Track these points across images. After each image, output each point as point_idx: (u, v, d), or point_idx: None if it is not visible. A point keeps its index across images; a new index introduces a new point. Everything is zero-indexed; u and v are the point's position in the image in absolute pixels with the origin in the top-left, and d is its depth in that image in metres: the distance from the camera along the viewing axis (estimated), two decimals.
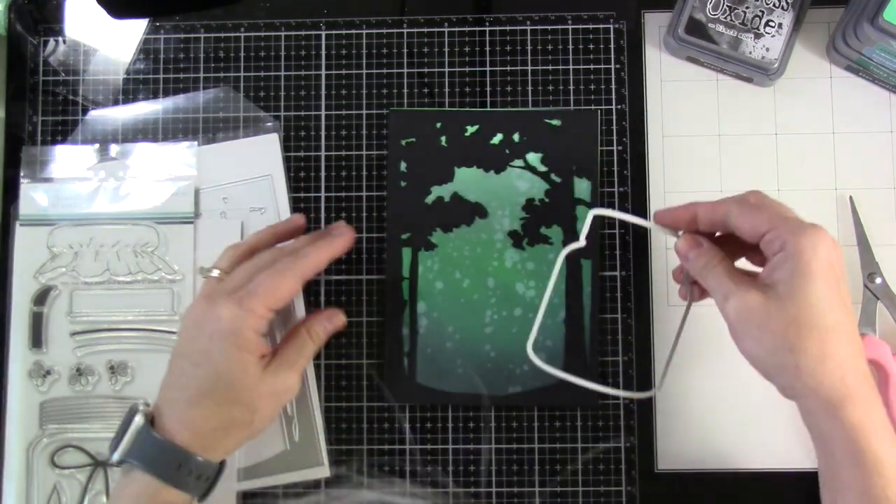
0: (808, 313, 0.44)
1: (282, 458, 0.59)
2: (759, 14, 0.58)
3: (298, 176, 0.62)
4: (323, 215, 0.61)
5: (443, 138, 0.61)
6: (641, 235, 0.60)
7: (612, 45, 0.62)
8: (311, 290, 0.61)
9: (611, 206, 0.60)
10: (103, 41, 0.64)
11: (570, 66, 0.62)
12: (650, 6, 0.62)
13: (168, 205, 0.61)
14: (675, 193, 0.60)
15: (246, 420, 0.52)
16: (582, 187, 0.60)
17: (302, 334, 0.56)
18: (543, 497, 0.59)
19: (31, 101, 0.63)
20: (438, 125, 0.61)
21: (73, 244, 0.61)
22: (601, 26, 0.62)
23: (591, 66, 0.62)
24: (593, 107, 0.61)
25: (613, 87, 0.61)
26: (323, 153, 0.62)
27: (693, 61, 0.61)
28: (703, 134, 0.61)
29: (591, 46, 0.62)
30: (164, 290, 0.60)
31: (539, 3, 0.62)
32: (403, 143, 0.61)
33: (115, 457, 0.50)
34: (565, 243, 0.59)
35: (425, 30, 0.62)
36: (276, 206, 0.61)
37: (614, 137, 0.61)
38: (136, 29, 0.63)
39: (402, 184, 0.61)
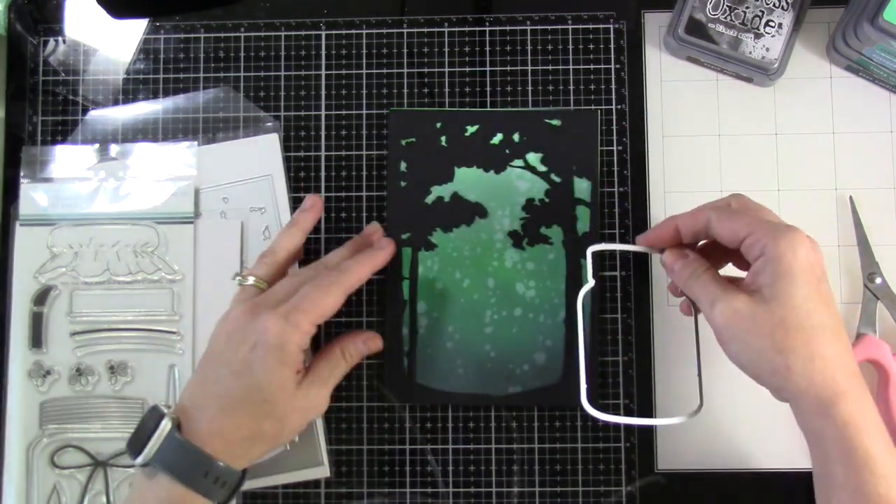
0: (793, 314, 0.45)
1: (282, 458, 0.59)
2: (759, 14, 0.58)
3: (298, 176, 0.62)
4: (323, 215, 0.61)
5: (443, 138, 0.61)
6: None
7: (612, 45, 0.62)
8: None
9: (611, 205, 0.60)
10: (103, 41, 0.64)
11: (570, 66, 0.62)
12: (650, 6, 0.62)
13: (168, 205, 0.61)
14: (675, 193, 0.61)
15: (275, 433, 0.52)
16: (582, 187, 0.60)
17: (336, 353, 0.56)
18: (543, 497, 0.59)
19: (31, 101, 0.63)
20: (438, 125, 0.61)
21: (73, 244, 0.61)
22: (601, 26, 0.62)
23: (591, 66, 0.62)
24: (593, 107, 0.61)
25: (613, 87, 0.62)
26: (323, 153, 0.62)
27: (693, 61, 0.61)
28: (703, 134, 0.61)
29: (591, 46, 0.62)
30: (164, 290, 0.60)
31: (539, 3, 0.62)
32: (403, 143, 0.61)
33: (140, 460, 0.49)
34: (565, 243, 0.60)
35: (425, 30, 0.62)
36: (276, 206, 0.61)
37: (614, 137, 0.61)
38: (136, 29, 0.63)
39: (402, 184, 0.61)
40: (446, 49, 0.62)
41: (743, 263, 0.51)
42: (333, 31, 0.63)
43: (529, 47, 0.62)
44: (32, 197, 0.61)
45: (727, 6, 0.58)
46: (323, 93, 0.62)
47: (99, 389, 0.60)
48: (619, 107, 0.61)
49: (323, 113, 0.62)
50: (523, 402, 0.59)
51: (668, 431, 0.59)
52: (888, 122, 0.61)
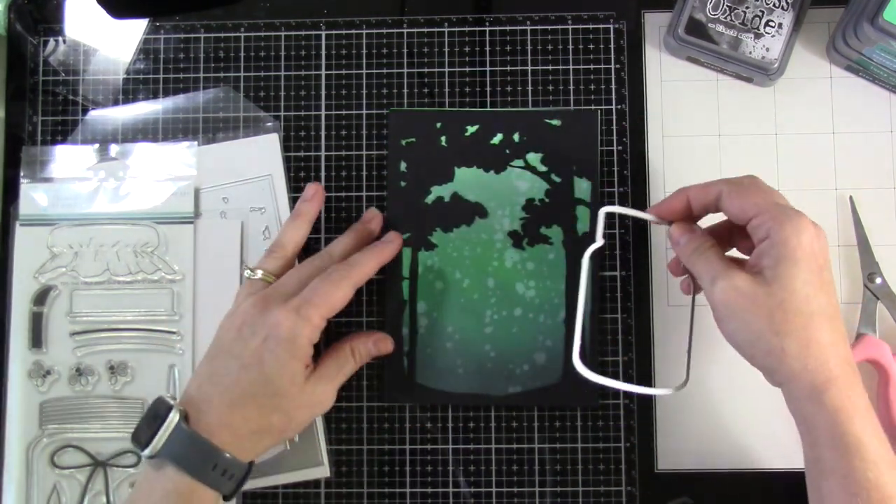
0: (792, 298, 0.45)
1: (282, 458, 0.59)
2: (759, 14, 0.58)
3: (298, 176, 0.62)
4: (323, 215, 0.61)
5: (443, 138, 0.61)
6: (642, 235, 0.60)
7: (612, 45, 0.62)
8: None
9: (611, 205, 0.60)
10: (103, 41, 0.64)
11: (570, 66, 0.62)
12: (650, 6, 0.62)
13: (168, 205, 0.61)
14: None
15: (282, 427, 0.52)
16: (582, 187, 0.60)
17: (346, 351, 0.56)
18: (543, 497, 0.59)
19: (31, 101, 0.63)
20: (438, 125, 0.61)
21: (73, 244, 0.61)
22: (601, 26, 0.62)
23: (591, 66, 0.62)
24: (593, 107, 0.61)
25: (613, 87, 0.62)
26: (323, 153, 0.62)
27: (693, 61, 0.61)
28: (703, 134, 0.61)
29: (591, 46, 0.62)
30: (164, 290, 0.60)
31: (539, 3, 0.62)
32: (403, 143, 0.61)
33: (147, 452, 0.49)
34: (565, 243, 0.60)
35: (425, 30, 0.62)
36: (276, 206, 0.61)
37: (614, 137, 0.61)
38: (136, 29, 0.63)
39: (402, 184, 0.61)
40: (446, 49, 0.62)
41: (745, 247, 0.52)
42: (333, 31, 0.63)
43: (529, 47, 0.62)
44: (32, 197, 0.61)
45: (727, 6, 0.58)
46: (323, 93, 0.62)
47: (99, 389, 0.60)
48: (619, 107, 0.61)
49: (323, 113, 0.62)
50: (523, 402, 0.59)
51: (668, 432, 0.59)
52: (888, 122, 0.61)
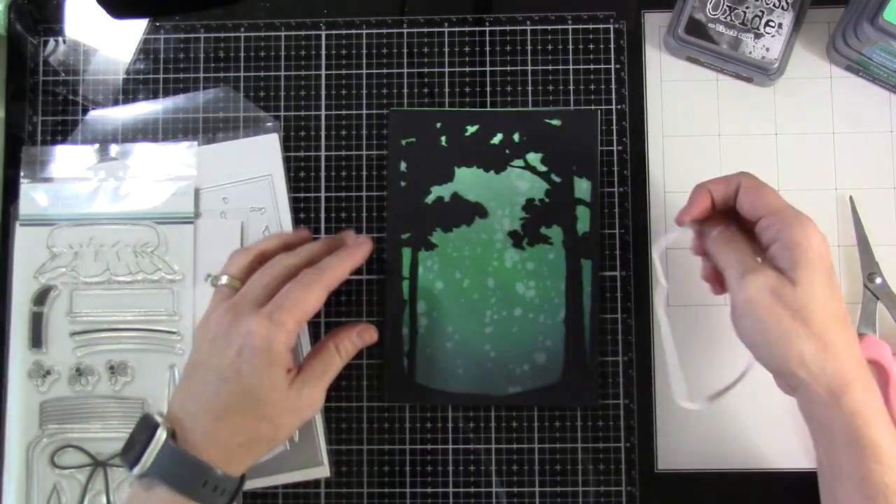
0: (813, 302, 0.46)
1: (282, 458, 0.59)
2: (759, 14, 0.58)
3: (298, 176, 0.62)
4: (323, 215, 0.61)
5: (443, 138, 0.61)
6: (641, 235, 0.60)
7: (612, 45, 0.62)
8: None
9: (611, 205, 0.60)
10: (103, 41, 0.64)
11: (570, 66, 0.62)
12: (650, 6, 0.62)
13: (168, 205, 0.61)
14: (675, 193, 0.60)
15: (271, 436, 0.51)
16: (582, 187, 0.60)
17: (330, 349, 0.55)
18: (543, 497, 0.59)
19: (31, 101, 0.63)
20: (438, 125, 0.61)
21: (73, 244, 0.61)
22: (601, 26, 0.62)
23: (591, 66, 0.62)
24: (593, 107, 0.61)
25: (613, 87, 0.61)
26: (323, 153, 0.62)
27: (693, 61, 0.61)
28: (703, 134, 0.61)
29: (591, 46, 0.62)
30: (164, 290, 0.60)
31: (539, 3, 0.62)
32: (403, 143, 0.61)
33: (136, 471, 0.49)
34: (565, 243, 0.60)
35: (425, 30, 0.62)
36: (276, 206, 0.61)
37: (614, 137, 0.61)
38: (136, 29, 0.63)
39: (402, 184, 0.61)
40: (446, 49, 0.62)
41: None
42: (333, 31, 0.63)
43: (529, 47, 0.62)
44: (32, 197, 0.61)
45: (727, 6, 0.58)
46: (323, 93, 0.62)
47: (99, 389, 0.60)
48: (619, 107, 0.61)
49: (323, 113, 0.62)
50: (523, 402, 0.59)
51: (668, 432, 0.59)
52: (888, 122, 0.61)
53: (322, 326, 0.60)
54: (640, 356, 0.60)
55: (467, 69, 0.62)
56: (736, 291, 0.48)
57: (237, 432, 0.50)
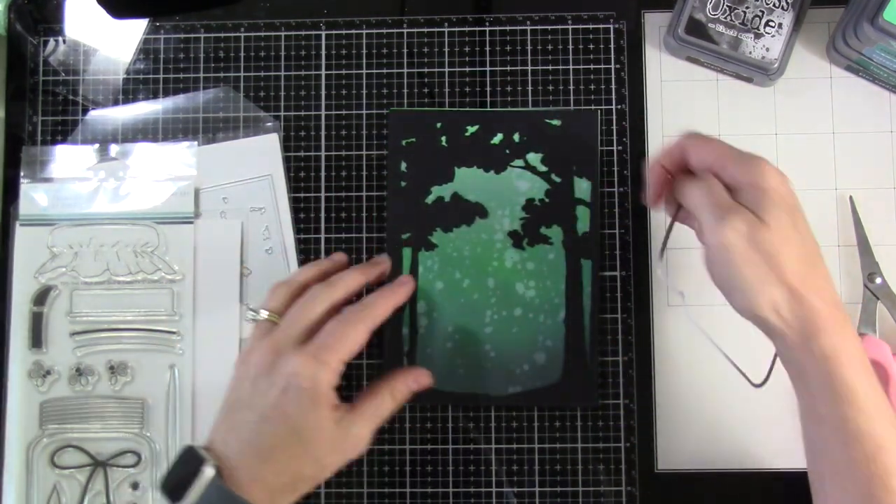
0: (784, 244, 0.45)
1: None
2: (759, 14, 0.58)
3: (298, 176, 0.62)
4: (323, 215, 0.61)
5: (443, 138, 0.61)
6: (641, 235, 0.60)
7: (612, 45, 0.62)
8: None
9: (611, 205, 0.60)
10: (103, 41, 0.64)
11: (570, 66, 0.62)
12: (650, 6, 0.62)
13: (168, 205, 0.61)
14: None
15: (315, 475, 0.51)
16: (582, 187, 0.60)
17: (383, 392, 0.54)
18: (543, 497, 0.59)
19: (31, 101, 0.63)
20: (438, 125, 0.61)
21: (73, 244, 0.61)
22: (601, 26, 0.62)
23: (591, 66, 0.62)
24: (593, 107, 0.61)
25: (613, 86, 0.62)
26: (323, 153, 0.62)
27: (693, 61, 0.61)
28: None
29: (591, 46, 0.62)
30: (164, 290, 0.60)
31: (539, 3, 0.62)
32: (403, 143, 0.61)
33: None
34: (565, 243, 0.60)
35: (425, 30, 0.62)
36: (276, 206, 0.61)
37: (614, 137, 0.61)
38: (136, 29, 0.63)
39: (402, 184, 0.61)
40: (446, 49, 0.62)
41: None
42: (333, 31, 0.63)
43: (529, 47, 0.62)
44: (32, 197, 0.61)
45: (727, 6, 0.58)
46: (323, 93, 0.62)
47: (99, 389, 0.60)
48: (619, 107, 0.61)
49: (323, 113, 0.62)
50: (523, 402, 0.59)
51: (668, 432, 0.59)
52: (888, 122, 0.61)
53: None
54: (640, 356, 0.60)
55: (467, 69, 0.62)
56: (712, 237, 0.46)
57: (282, 472, 0.49)
